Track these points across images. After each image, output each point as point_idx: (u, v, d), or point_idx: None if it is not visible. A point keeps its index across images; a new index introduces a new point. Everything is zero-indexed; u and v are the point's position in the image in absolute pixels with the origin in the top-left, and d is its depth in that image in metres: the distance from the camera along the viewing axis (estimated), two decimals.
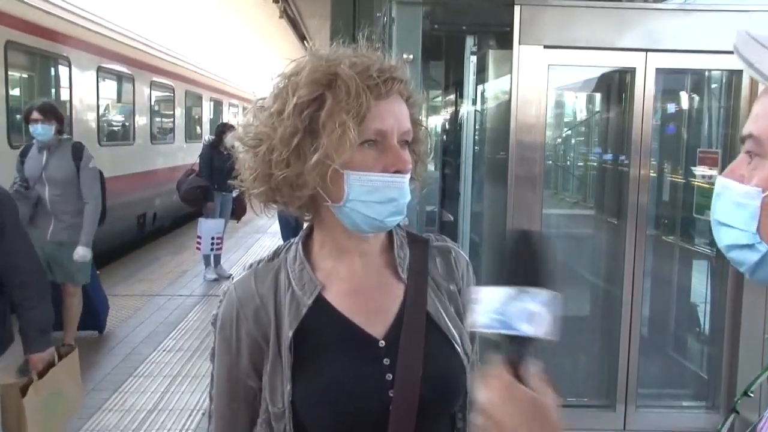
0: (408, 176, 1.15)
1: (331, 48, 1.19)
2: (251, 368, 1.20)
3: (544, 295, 0.85)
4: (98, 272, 5.73)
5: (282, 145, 1.11)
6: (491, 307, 0.85)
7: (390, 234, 1.27)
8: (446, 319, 1.23)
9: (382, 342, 1.19)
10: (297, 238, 1.27)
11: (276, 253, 1.27)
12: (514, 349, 0.85)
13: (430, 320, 1.21)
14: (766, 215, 0.81)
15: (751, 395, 1.05)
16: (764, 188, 0.81)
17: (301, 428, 1.17)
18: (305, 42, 13.80)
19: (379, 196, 1.12)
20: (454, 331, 1.23)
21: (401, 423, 1.14)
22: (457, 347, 1.22)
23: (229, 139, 7.77)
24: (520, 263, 0.88)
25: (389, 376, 1.16)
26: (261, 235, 11.47)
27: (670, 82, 4.34)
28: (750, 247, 0.83)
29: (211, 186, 7.94)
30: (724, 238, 0.87)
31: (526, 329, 0.84)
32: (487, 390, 0.84)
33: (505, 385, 0.84)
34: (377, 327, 1.20)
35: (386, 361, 1.17)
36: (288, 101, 1.12)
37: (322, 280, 1.21)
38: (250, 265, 1.27)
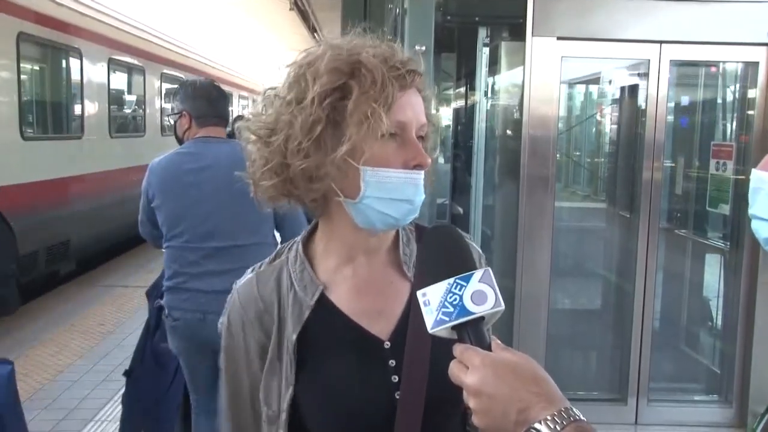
0: (424, 173, 1.12)
1: (346, 38, 1.15)
2: (262, 371, 1.17)
3: (478, 274, 0.90)
4: None
5: (302, 135, 1.06)
6: (441, 303, 0.90)
7: (397, 230, 1.22)
8: None
9: (388, 343, 1.15)
10: (299, 237, 1.23)
11: (278, 254, 1.23)
12: (473, 331, 0.90)
13: None
14: None
15: None
16: None
17: (302, 431, 1.14)
18: (315, 34, 13.78)
19: (397, 193, 1.09)
20: None
21: (408, 425, 1.11)
22: None
23: (238, 126, 7.76)
24: (446, 255, 0.96)
25: (395, 378, 1.13)
26: None
27: (684, 73, 4.30)
28: None
29: None
30: (763, 230, 0.85)
31: (479, 309, 0.89)
32: (473, 371, 0.85)
33: (487, 360, 0.86)
34: (382, 328, 1.16)
35: (392, 363, 1.14)
36: (308, 89, 1.07)
37: (325, 279, 1.17)
38: (252, 269, 1.23)
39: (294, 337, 1.14)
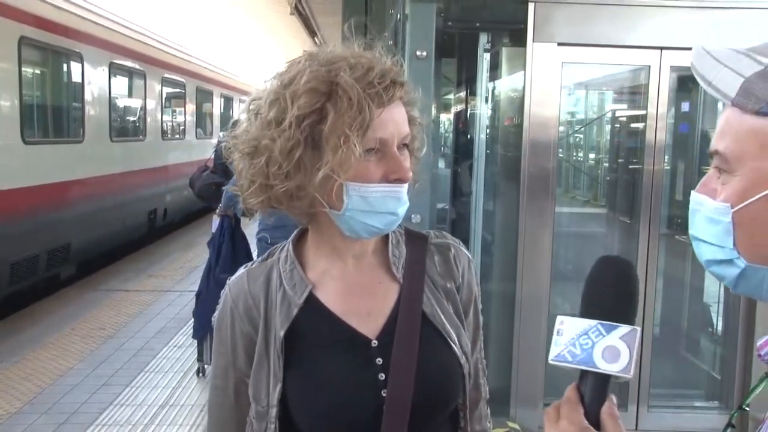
0: (407, 184, 1.14)
1: (329, 49, 1.15)
2: (249, 367, 1.19)
3: (622, 330, 0.83)
4: None
5: (282, 158, 1.08)
6: (572, 339, 0.84)
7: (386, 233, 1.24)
8: (443, 318, 1.21)
9: (375, 342, 1.17)
10: (290, 238, 1.26)
11: (270, 254, 1.26)
12: (592, 384, 0.84)
13: (426, 320, 1.19)
14: (740, 230, 0.79)
15: (747, 409, 1.01)
16: (732, 204, 0.79)
17: (291, 428, 1.16)
18: (315, 38, 13.80)
19: (379, 206, 1.11)
20: (450, 330, 1.21)
21: (394, 424, 1.12)
22: (454, 347, 1.20)
23: (224, 144, 7.76)
24: (611, 295, 0.87)
25: (382, 376, 1.15)
26: None
27: (684, 79, 4.30)
28: (729, 262, 0.82)
29: (226, 182, 7.95)
30: (703, 253, 0.85)
31: (604, 366, 0.82)
32: (560, 430, 0.82)
33: (576, 427, 0.81)
34: (370, 327, 1.18)
35: (379, 361, 1.16)
36: (287, 111, 1.08)
37: (315, 279, 1.20)
38: (245, 266, 1.26)
39: (282, 333, 1.16)
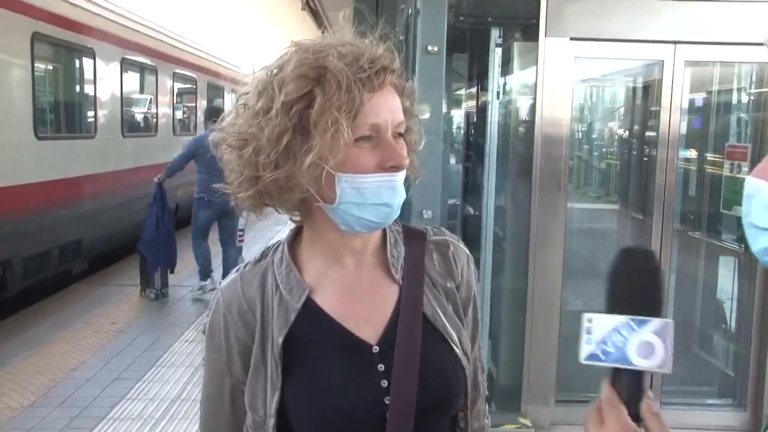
0: (404, 173, 1.11)
1: (317, 39, 1.13)
2: (245, 374, 1.16)
3: (655, 324, 0.81)
4: None
5: (270, 146, 1.05)
6: (603, 337, 0.81)
7: (384, 231, 1.21)
8: (443, 319, 1.18)
9: (376, 347, 1.14)
10: (284, 238, 1.22)
11: (263, 255, 1.21)
12: (628, 381, 0.82)
13: (427, 321, 1.16)
14: None
15: None
16: None
17: None
18: (326, 34, 13.78)
19: (372, 197, 1.08)
20: (452, 331, 1.18)
21: (399, 430, 1.10)
22: (455, 348, 1.17)
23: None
24: (636, 288, 0.83)
25: (384, 383, 1.11)
26: (282, 227, 11.50)
27: (698, 74, 4.26)
28: None
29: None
30: (759, 241, 0.83)
31: (640, 363, 0.80)
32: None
33: (624, 429, 0.79)
34: (370, 332, 1.15)
35: (381, 367, 1.12)
36: (275, 99, 1.05)
37: (311, 282, 1.16)
38: (237, 269, 1.22)
39: (280, 340, 1.12)
